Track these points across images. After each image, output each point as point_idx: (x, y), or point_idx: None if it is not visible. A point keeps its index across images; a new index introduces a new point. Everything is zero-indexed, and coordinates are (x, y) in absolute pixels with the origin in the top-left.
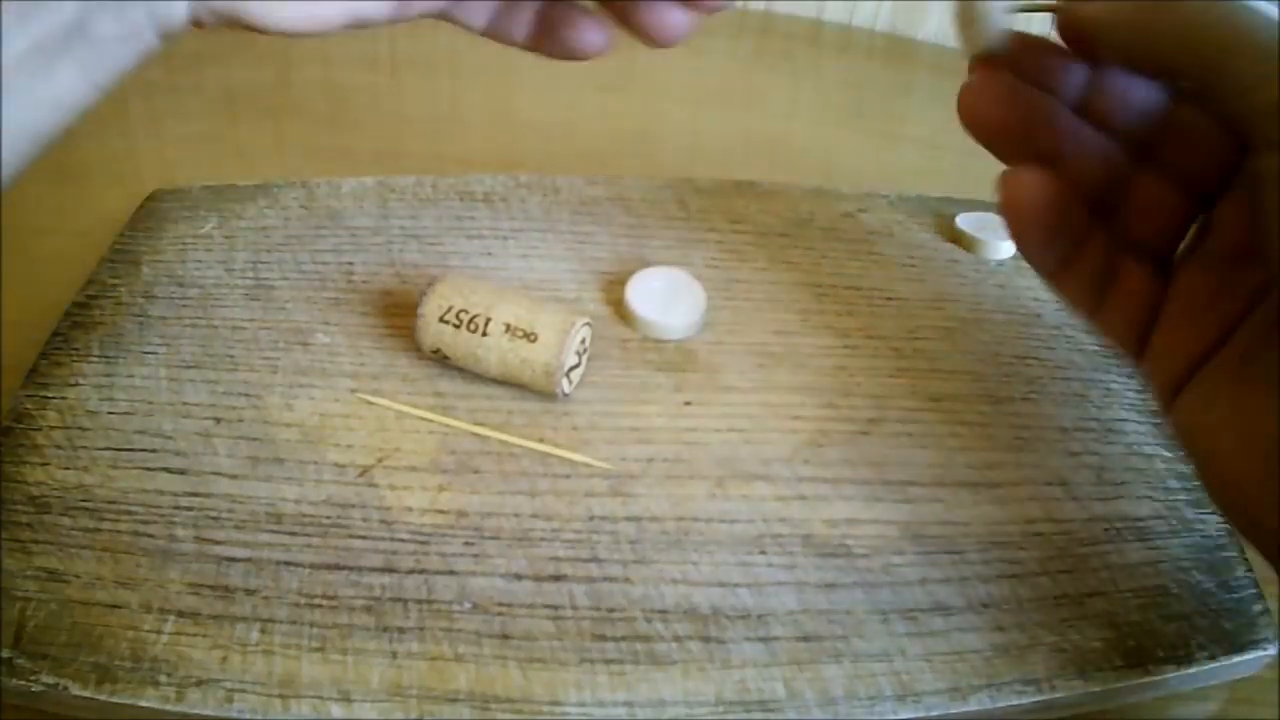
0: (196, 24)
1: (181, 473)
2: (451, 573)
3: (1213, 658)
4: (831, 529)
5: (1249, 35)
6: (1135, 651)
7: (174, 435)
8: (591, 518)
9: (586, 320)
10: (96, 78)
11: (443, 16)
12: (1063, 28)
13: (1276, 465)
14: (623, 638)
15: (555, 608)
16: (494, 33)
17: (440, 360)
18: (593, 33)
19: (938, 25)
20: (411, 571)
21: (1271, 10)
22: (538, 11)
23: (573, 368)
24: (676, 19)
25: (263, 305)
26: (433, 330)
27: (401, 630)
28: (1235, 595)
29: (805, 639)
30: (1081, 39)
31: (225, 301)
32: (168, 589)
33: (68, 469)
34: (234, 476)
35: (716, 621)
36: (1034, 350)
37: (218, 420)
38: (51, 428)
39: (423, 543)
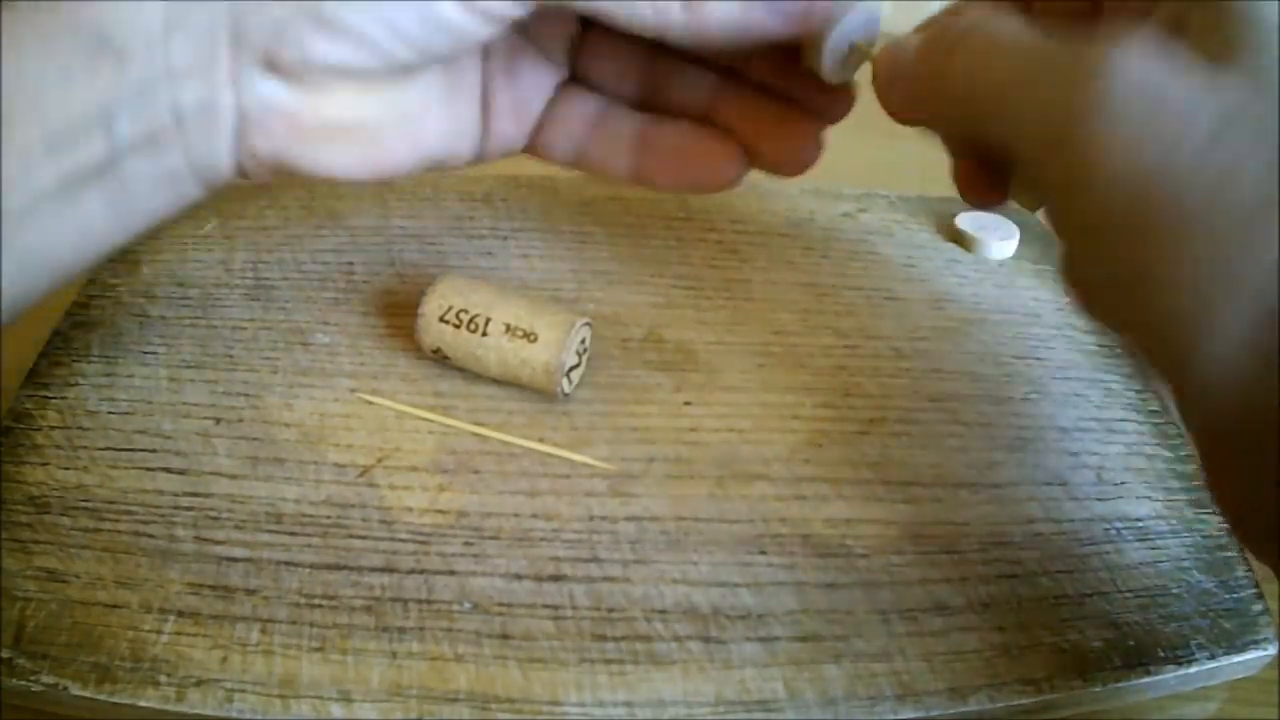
0: (243, 175)
1: (181, 473)
2: (451, 573)
3: (1213, 658)
4: (831, 529)
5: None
6: (1135, 651)
7: (174, 435)
8: (591, 518)
9: (586, 320)
10: (127, 219)
11: (529, 153)
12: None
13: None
14: (623, 638)
15: (555, 608)
16: (586, 165)
17: (440, 360)
18: (727, 162)
19: None
20: (411, 571)
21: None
22: (637, 138)
23: (573, 368)
24: (808, 154)
25: (263, 305)
26: (433, 330)
27: (401, 630)
28: (1235, 595)
29: (805, 639)
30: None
31: (225, 301)
32: (168, 589)
33: (68, 469)
34: (234, 476)
35: (716, 621)
36: (1034, 350)
37: (218, 420)
38: (51, 428)
39: (423, 543)
